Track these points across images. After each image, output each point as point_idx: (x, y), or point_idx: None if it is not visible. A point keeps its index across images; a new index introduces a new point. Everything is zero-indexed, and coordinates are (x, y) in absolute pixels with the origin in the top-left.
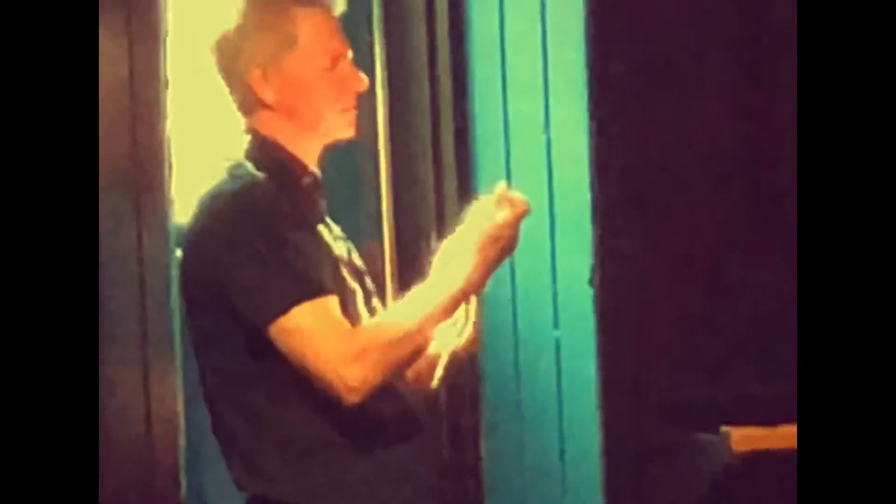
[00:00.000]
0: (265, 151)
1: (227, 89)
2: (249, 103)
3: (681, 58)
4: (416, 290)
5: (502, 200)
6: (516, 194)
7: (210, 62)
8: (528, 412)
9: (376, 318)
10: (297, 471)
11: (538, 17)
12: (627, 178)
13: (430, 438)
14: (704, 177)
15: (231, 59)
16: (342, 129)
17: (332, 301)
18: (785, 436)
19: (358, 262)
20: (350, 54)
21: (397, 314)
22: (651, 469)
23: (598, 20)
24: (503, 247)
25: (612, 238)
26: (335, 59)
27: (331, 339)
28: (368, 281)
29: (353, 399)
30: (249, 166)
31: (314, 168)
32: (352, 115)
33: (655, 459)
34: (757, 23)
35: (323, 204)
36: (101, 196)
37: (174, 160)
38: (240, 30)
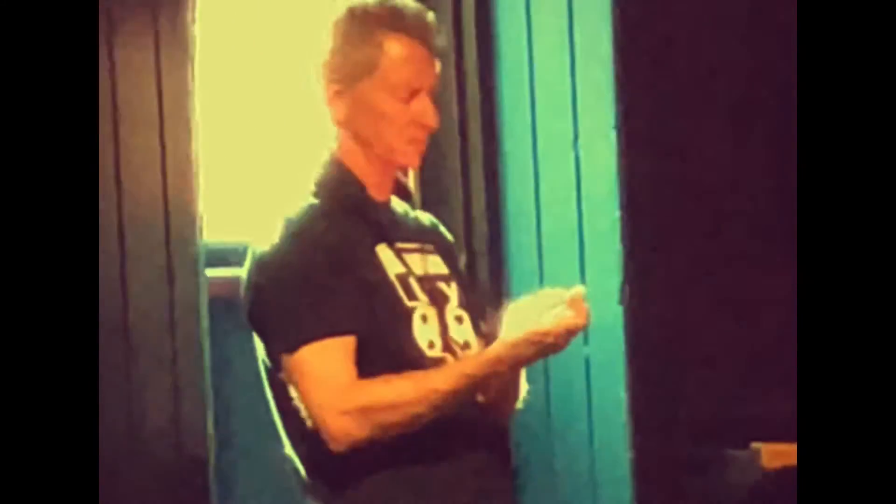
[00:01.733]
0: (331, 172)
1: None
2: (330, 120)
3: (708, 74)
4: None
5: (572, 304)
6: (583, 308)
7: (238, 80)
8: (558, 429)
9: (385, 377)
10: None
11: (566, 35)
12: (656, 196)
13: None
14: (734, 193)
15: (318, 72)
16: (407, 158)
17: (343, 343)
18: None
19: (441, 270)
20: (432, 87)
21: (407, 380)
22: (682, 485)
23: (626, 37)
24: (539, 350)
25: (642, 255)
26: (412, 93)
27: (328, 386)
28: (453, 289)
29: (336, 448)
30: (315, 188)
31: (381, 192)
32: (420, 146)
33: (686, 476)
34: (785, 39)
35: (394, 222)
36: (129, 215)
37: (203, 178)
38: (329, 43)
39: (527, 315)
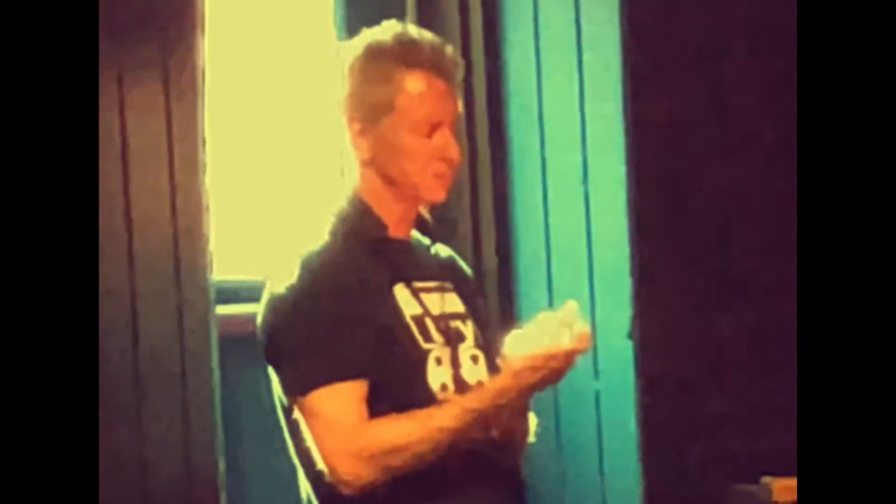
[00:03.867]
0: (351, 209)
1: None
2: (352, 156)
3: (718, 109)
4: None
5: (565, 325)
6: (582, 329)
7: (248, 117)
8: (569, 464)
9: (390, 418)
10: None
11: (575, 71)
12: (666, 230)
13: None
14: (745, 228)
15: (340, 111)
16: (432, 193)
17: (354, 387)
18: None
19: (458, 309)
20: (453, 120)
21: (412, 420)
22: None
23: (636, 73)
24: (543, 377)
25: (651, 290)
26: (433, 127)
27: (336, 431)
28: (469, 327)
29: (345, 491)
30: (333, 224)
31: (401, 229)
32: (444, 180)
33: None
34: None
35: (413, 261)
36: (138, 251)
37: (213, 215)
38: (348, 80)
39: (527, 342)
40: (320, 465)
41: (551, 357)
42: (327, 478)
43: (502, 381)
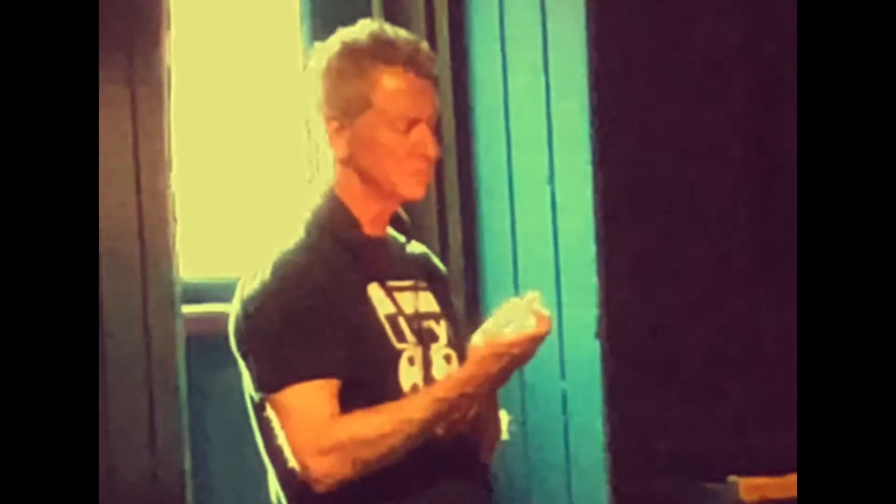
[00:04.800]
0: (327, 207)
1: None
2: (328, 154)
3: (685, 107)
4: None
5: (528, 311)
6: (543, 313)
7: (214, 116)
8: (535, 463)
9: (360, 413)
10: None
11: (541, 70)
12: (632, 230)
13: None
14: (712, 227)
15: (316, 110)
16: (410, 190)
17: (325, 385)
18: (793, 485)
19: (432, 308)
20: (430, 117)
21: (381, 413)
22: None
23: (602, 72)
24: (506, 365)
25: (618, 289)
26: (410, 124)
27: (306, 428)
28: (443, 327)
29: (317, 488)
30: (305, 223)
31: (377, 227)
32: (422, 177)
33: None
34: (765, 63)
35: (387, 260)
36: (104, 250)
37: (179, 214)
38: (325, 78)
39: (493, 330)
40: (291, 462)
41: (514, 344)
42: (298, 477)
43: (468, 369)
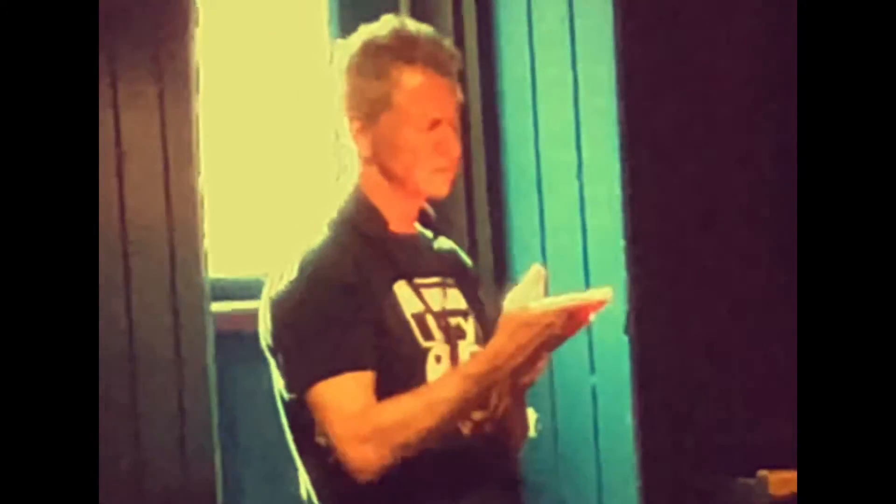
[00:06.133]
0: (353, 205)
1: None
2: (353, 152)
3: (714, 102)
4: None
5: (535, 283)
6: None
7: (243, 113)
8: (565, 458)
9: (392, 399)
10: None
11: (569, 65)
12: (661, 225)
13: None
14: (739, 224)
15: (339, 109)
16: (434, 187)
17: (359, 378)
18: None
19: (459, 305)
20: (452, 115)
21: (414, 396)
22: None
23: (630, 67)
24: (537, 336)
25: (647, 285)
26: (434, 123)
27: (343, 418)
28: (470, 324)
29: (362, 478)
30: (332, 221)
31: (404, 224)
32: (447, 174)
33: None
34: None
35: (415, 257)
36: (134, 251)
37: (207, 213)
38: (346, 77)
39: (522, 299)
40: (331, 458)
41: (546, 314)
42: (333, 472)
43: (498, 341)
